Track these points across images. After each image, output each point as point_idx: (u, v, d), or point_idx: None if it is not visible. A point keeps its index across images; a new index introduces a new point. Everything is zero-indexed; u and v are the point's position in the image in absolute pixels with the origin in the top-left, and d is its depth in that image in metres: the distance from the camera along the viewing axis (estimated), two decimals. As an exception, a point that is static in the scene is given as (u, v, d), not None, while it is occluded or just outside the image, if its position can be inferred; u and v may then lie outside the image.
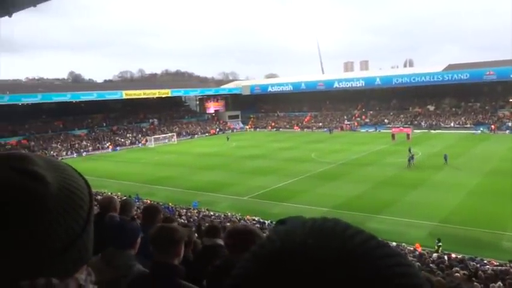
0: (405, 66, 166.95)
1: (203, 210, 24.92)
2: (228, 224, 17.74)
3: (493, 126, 58.35)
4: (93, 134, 67.08)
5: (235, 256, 2.71)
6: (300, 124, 77.58)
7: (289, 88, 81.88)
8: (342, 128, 70.87)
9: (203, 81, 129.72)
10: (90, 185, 0.91)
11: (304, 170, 35.91)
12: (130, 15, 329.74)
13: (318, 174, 34.84)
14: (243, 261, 0.64)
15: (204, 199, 28.47)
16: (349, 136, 61.72)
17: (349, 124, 71.85)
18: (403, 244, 17.94)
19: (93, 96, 66.63)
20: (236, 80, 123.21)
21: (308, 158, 43.19)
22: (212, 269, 3.01)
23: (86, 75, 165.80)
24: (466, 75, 62.83)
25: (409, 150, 38.00)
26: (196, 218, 20.94)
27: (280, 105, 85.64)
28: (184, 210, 23.96)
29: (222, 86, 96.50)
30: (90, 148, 60.19)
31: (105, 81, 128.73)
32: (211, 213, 24.17)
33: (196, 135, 73.43)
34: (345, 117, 75.81)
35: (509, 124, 58.55)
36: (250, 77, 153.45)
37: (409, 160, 35.44)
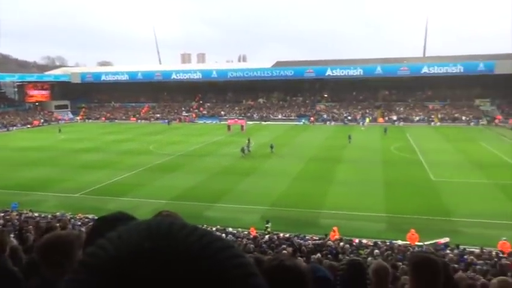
0: (239, 60, 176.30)
1: (25, 211, 22.08)
2: (58, 224, 16.12)
3: (312, 118, 66.39)
4: None
5: (53, 272, 2.18)
6: (137, 115, 75.00)
7: (125, 77, 78.22)
8: (180, 120, 71.17)
9: (23, 66, 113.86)
10: None
11: (142, 163, 34.98)
12: None
13: (156, 166, 34.34)
14: (71, 275, 0.58)
15: (27, 199, 25.21)
16: (187, 128, 62.39)
17: (187, 116, 72.60)
18: (239, 229, 19.12)
19: None
20: (64, 66, 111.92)
21: (146, 150, 42.18)
22: None
23: None
24: (291, 72, 69.87)
25: (248, 140, 40.90)
26: (16, 221, 18.43)
27: (116, 95, 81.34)
28: (2, 214, 20.84)
29: (47, 72, 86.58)
30: None
31: None
32: (36, 214, 21.59)
33: (14, 127, 64.31)
34: (183, 108, 76.28)
35: (325, 116, 67.44)
36: (80, 63, 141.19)
37: (243, 150, 37.74)
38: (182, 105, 77.85)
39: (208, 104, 77.52)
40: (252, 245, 15.26)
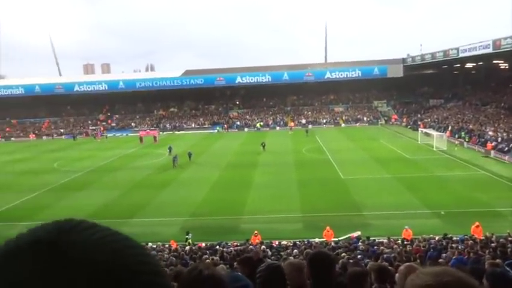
0: (147, 70, 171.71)
1: None
2: None
3: (225, 126, 66.84)
4: None
5: None
6: (37, 132, 69.18)
7: (20, 91, 71.71)
8: (87, 134, 67.09)
9: None
10: None
11: (46, 183, 32.28)
12: None
13: (62, 185, 31.94)
14: None
15: None
16: (95, 142, 59.10)
17: (95, 129, 68.64)
18: (159, 243, 18.48)
19: None
20: None
21: (49, 168, 39.02)
22: None
23: None
24: (201, 81, 69.68)
25: (169, 149, 41.01)
26: None
27: (11, 110, 74.15)
28: None
29: None
30: None
31: None
32: None
33: None
34: (90, 122, 72.09)
35: (238, 123, 68.31)
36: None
37: (174, 160, 36.80)
38: (88, 118, 73.58)
39: (117, 116, 74.23)
40: (173, 258, 14.86)
